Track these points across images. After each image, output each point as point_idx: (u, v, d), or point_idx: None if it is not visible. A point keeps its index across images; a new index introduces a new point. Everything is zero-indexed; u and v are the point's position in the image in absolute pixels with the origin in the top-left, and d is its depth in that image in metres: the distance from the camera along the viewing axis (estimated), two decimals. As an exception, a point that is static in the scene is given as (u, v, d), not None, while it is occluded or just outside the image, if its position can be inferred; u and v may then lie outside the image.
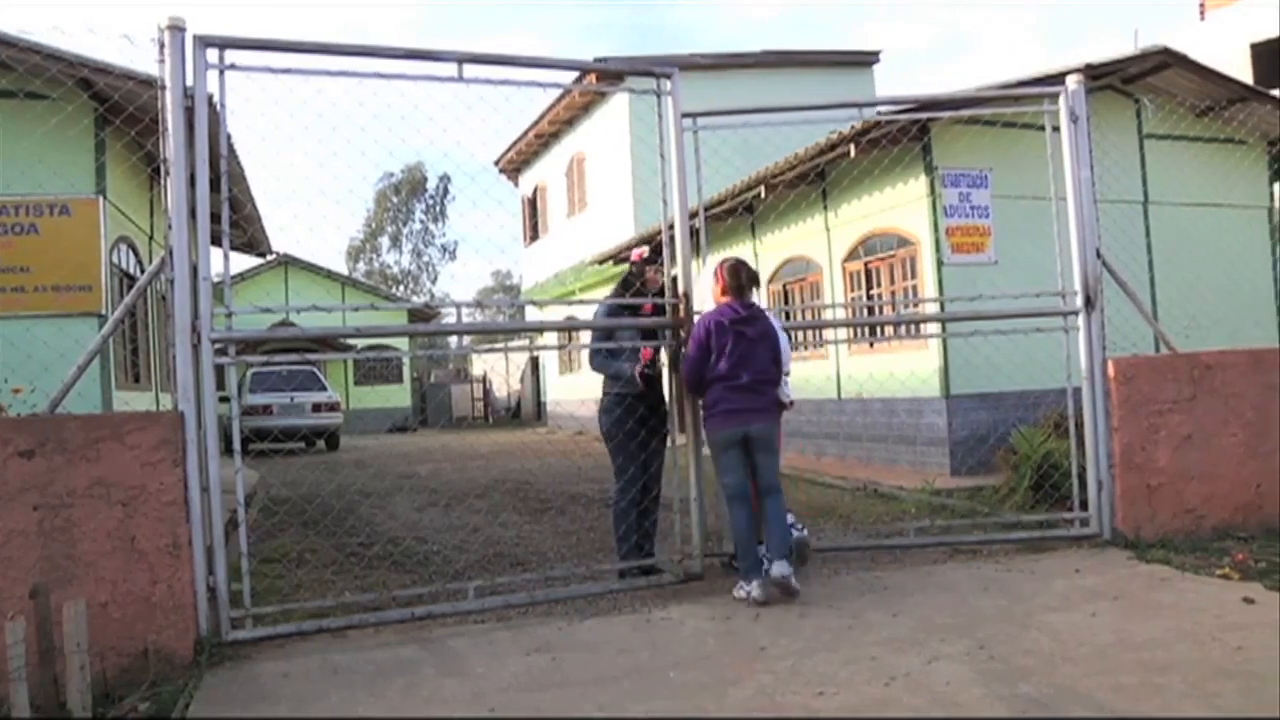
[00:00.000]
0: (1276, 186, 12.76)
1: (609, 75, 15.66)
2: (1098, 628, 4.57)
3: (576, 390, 22.38)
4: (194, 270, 4.80)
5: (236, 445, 5.08)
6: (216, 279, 5.01)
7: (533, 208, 26.95)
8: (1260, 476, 6.53)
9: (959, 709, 3.62)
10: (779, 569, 5.35)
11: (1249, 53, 18.16)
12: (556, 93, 20.18)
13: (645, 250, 6.25)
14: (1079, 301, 6.50)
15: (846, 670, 4.11)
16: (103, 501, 4.45)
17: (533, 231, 27.08)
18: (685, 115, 6.17)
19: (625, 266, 6.45)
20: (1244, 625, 4.50)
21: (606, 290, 6.94)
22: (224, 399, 5.15)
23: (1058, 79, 6.78)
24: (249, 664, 4.56)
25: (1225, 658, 4.05)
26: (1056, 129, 6.64)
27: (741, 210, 13.75)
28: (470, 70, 5.36)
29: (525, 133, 24.26)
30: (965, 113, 8.32)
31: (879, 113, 8.43)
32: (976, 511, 7.62)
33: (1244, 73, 16.86)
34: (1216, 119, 11.68)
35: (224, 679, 4.35)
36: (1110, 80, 10.96)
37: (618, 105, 20.03)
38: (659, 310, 6.07)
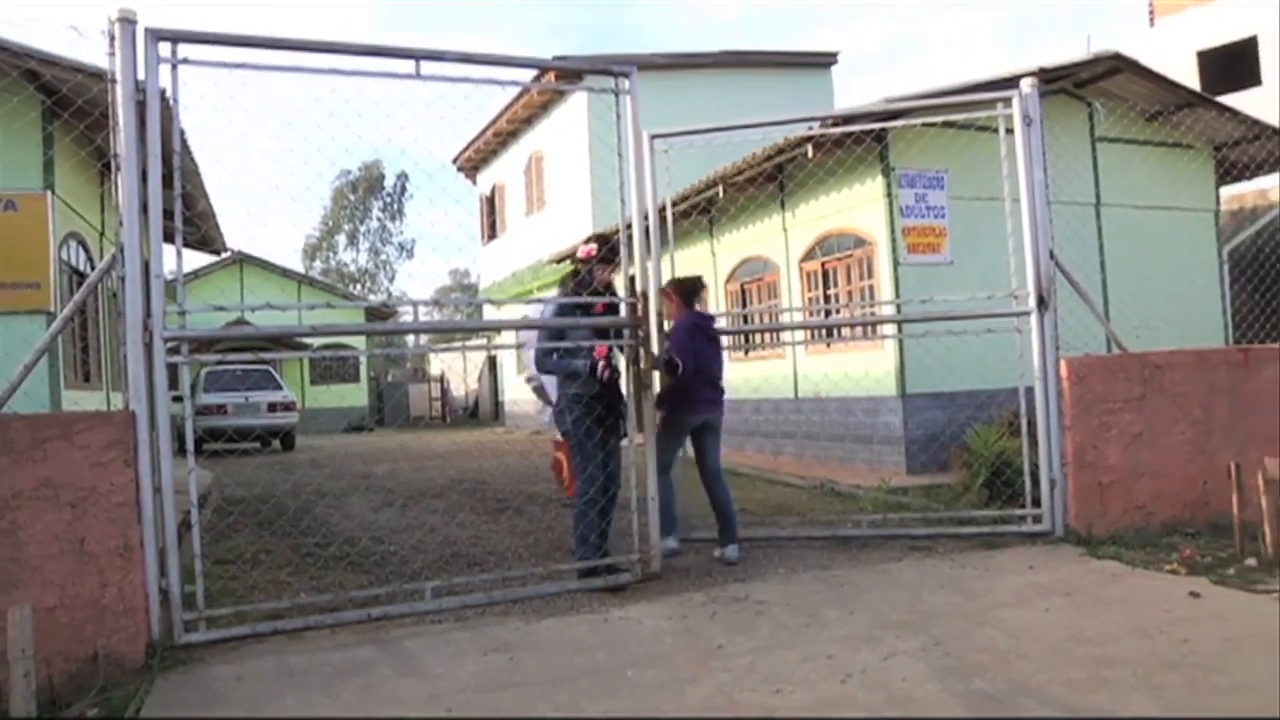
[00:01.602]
0: (1222, 190, 13.01)
1: (567, 74, 15.62)
2: (1050, 623, 4.64)
3: (534, 389, 22.28)
4: (146, 267, 4.72)
5: (190, 445, 5.01)
6: (169, 276, 4.94)
7: (491, 206, 26.81)
8: (1207, 474, 6.65)
9: (914, 705, 3.66)
10: (732, 553, 6.43)
11: (1196, 59, 18.49)
12: (515, 91, 20.11)
13: (594, 247, 6.21)
14: (1032, 302, 6.58)
15: (803, 668, 4.14)
16: (50, 503, 4.37)
17: (491, 230, 26.93)
18: (655, 136, 6.93)
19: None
20: (1190, 619, 4.59)
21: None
22: (177, 398, 5.09)
23: (1012, 82, 6.86)
24: (202, 667, 4.50)
25: (1172, 651, 4.13)
26: (1011, 131, 6.72)
27: (699, 210, 13.79)
28: (428, 68, 5.32)
29: (483, 131, 24.14)
30: (921, 105, 8.35)
31: (835, 119, 8.48)
32: (932, 508, 7.69)
33: (1192, 79, 17.16)
34: (1165, 123, 11.90)
35: (176, 683, 4.29)
36: (1063, 84, 11.12)
37: (576, 104, 19.99)
38: (611, 309, 6.07)
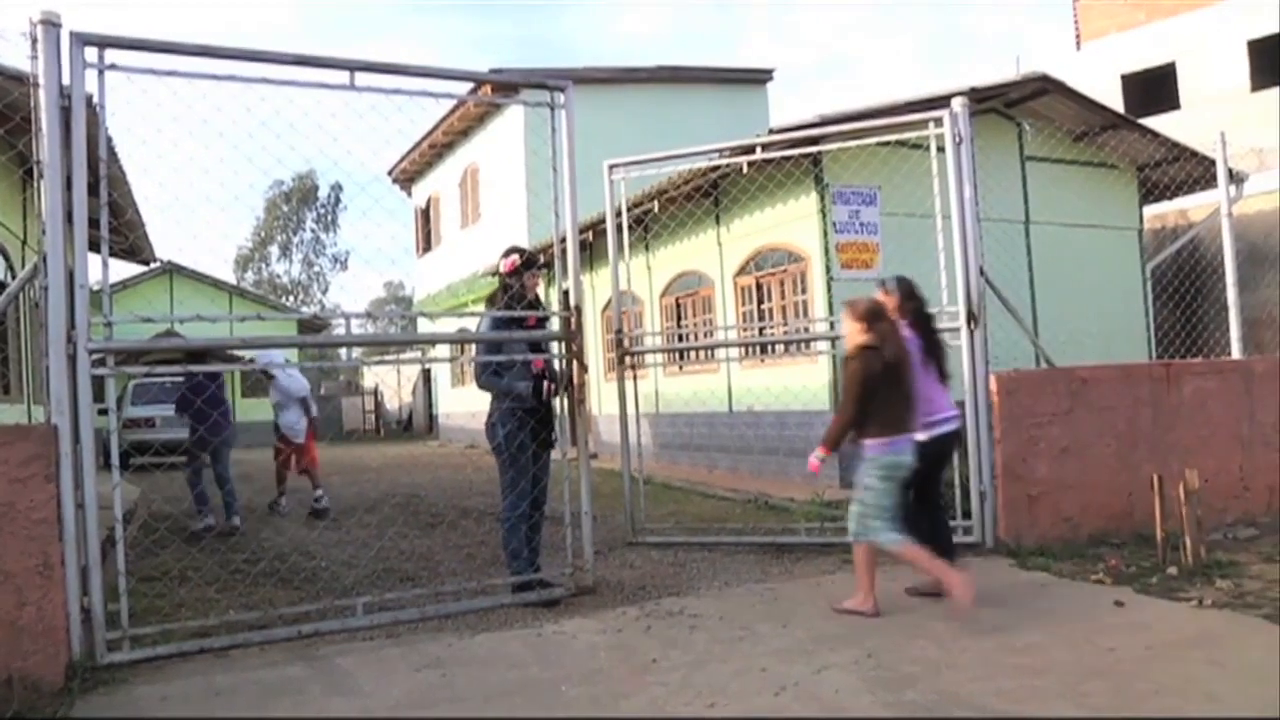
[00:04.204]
0: (1145, 210, 13.37)
1: (503, 87, 15.55)
2: (980, 634, 4.70)
3: (468, 403, 22.15)
4: (70, 277, 4.60)
5: (115, 459, 4.90)
6: (95, 287, 4.82)
7: (425, 219, 26.58)
8: (1131, 485, 6.80)
9: (848, 717, 3.68)
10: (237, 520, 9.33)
11: (1120, 83, 18.98)
12: (450, 103, 19.99)
13: (515, 259, 6.08)
14: (963, 317, 6.68)
15: (737, 682, 4.15)
16: (-35, 520, 4.22)
17: (425, 242, 26.70)
18: (613, 165, 7.61)
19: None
20: (1115, 627, 4.70)
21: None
22: (103, 411, 4.96)
23: (943, 101, 6.98)
24: (125, 688, 4.39)
25: (1097, 659, 4.22)
26: (942, 149, 6.84)
27: (635, 223, 13.80)
28: (363, 79, 5.27)
29: (419, 143, 23.94)
30: (854, 128, 8.47)
31: (771, 131, 8.53)
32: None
33: (1116, 101, 17.62)
34: (1091, 144, 12.19)
35: (97, 705, 4.17)
36: (993, 104, 11.35)
37: (512, 117, 19.90)
38: (542, 322, 6.05)
